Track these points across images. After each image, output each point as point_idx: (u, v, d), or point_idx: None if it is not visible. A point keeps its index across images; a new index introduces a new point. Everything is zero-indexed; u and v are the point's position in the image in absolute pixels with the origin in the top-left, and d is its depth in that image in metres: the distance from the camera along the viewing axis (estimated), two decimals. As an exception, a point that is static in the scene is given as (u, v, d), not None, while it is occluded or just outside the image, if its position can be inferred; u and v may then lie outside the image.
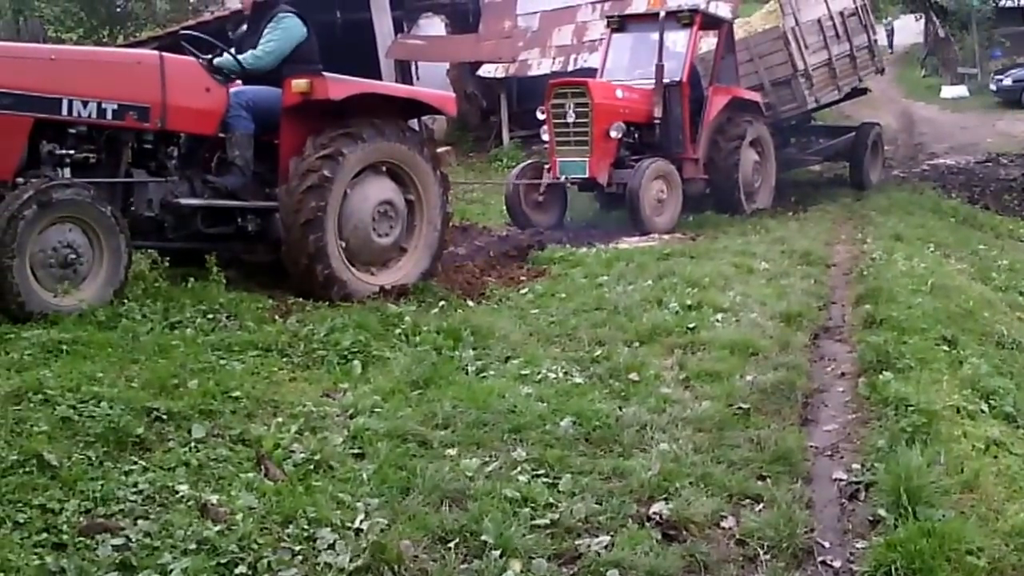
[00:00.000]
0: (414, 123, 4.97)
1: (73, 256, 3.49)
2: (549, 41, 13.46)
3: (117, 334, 3.14)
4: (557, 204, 7.59)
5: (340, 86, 4.20)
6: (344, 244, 4.28)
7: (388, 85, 5.55)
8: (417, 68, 14.76)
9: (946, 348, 3.70)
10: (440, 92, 5.56)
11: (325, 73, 4.21)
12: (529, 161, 8.08)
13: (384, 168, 4.49)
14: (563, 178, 7.26)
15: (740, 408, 2.99)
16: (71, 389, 2.53)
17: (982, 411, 3.09)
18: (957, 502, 2.32)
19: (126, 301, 3.48)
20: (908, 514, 2.21)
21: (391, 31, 14.30)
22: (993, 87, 18.51)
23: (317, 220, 4.09)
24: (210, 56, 4.25)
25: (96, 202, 3.55)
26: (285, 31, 4.31)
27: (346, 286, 4.22)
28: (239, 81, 4.31)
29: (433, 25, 14.95)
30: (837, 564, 2.14)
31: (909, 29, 23.38)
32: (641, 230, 6.80)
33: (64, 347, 2.94)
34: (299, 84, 4.14)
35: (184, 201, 4.04)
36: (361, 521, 2.12)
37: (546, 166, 7.42)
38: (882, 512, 2.28)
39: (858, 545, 2.21)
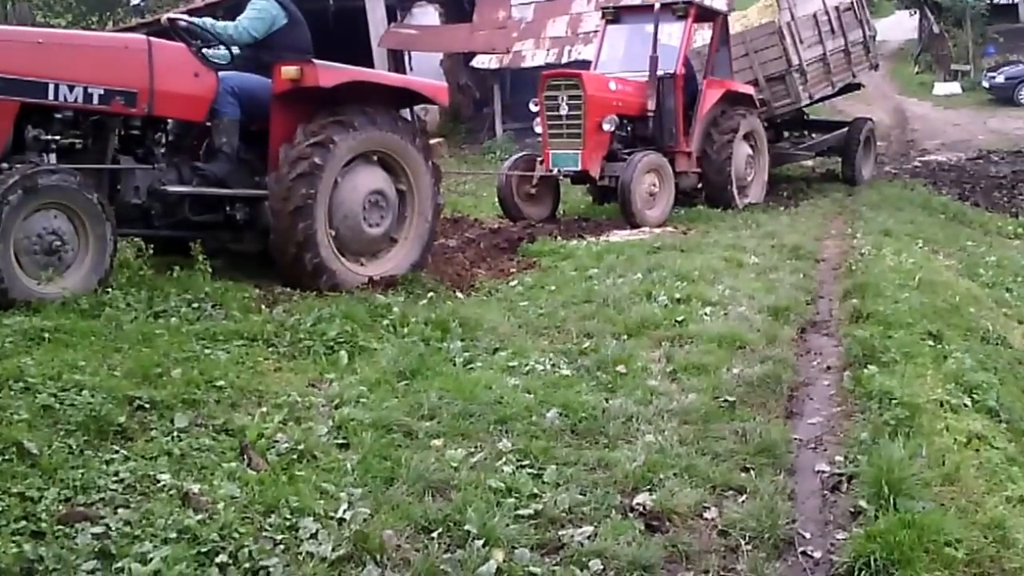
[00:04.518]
0: (406, 113, 4.92)
1: (58, 243, 3.45)
2: (543, 32, 13.42)
3: (100, 322, 3.11)
4: (549, 197, 7.56)
5: (330, 73, 4.16)
6: (334, 233, 4.25)
7: (379, 73, 5.50)
8: (410, 58, 14.68)
9: (931, 343, 3.73)
10: (432, 81, 5.52)
11: (315, 60, 4.17)
12: (522, 153, 8.05)
13: (375, 157, 4.46)
14: (555, 170, 7.23)
15: (726, 401, 3.01)
16: (52, 377, 2.51)
17: (965, 405, 3.11)
18: (937, 494, 2.33)
19: (110, 289, 3.45)
20: (889, 506, 2.23)
21: (384, 20, 14.21)
22: (986, 84, 18.60)
23: (307, 208, 4.06)
24: (199, 41, 4.20)
25: (82, 189, 3.51)
26: (259, 11, 4.28)
27: (335, 276, 4.19)
28: (216, 50, 4.25)
29: (427, 14, 14.86)
30: (817, 555, 2.15)
31: (902, 26, 23.42)
32: (632, 223, 6.79)
33: (46, 335, 2.91)
34: (289, 71, 4.10)
35: (171, 188, 4.00)
36: (344, 511, 2.12)
37: (539, 158, 7.39)
38: (863, 503, 2.30)
39: (839, 536, 2.22)
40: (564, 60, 12.30)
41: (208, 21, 4.32)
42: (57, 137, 3.65)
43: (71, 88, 3.63)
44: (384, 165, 4.52)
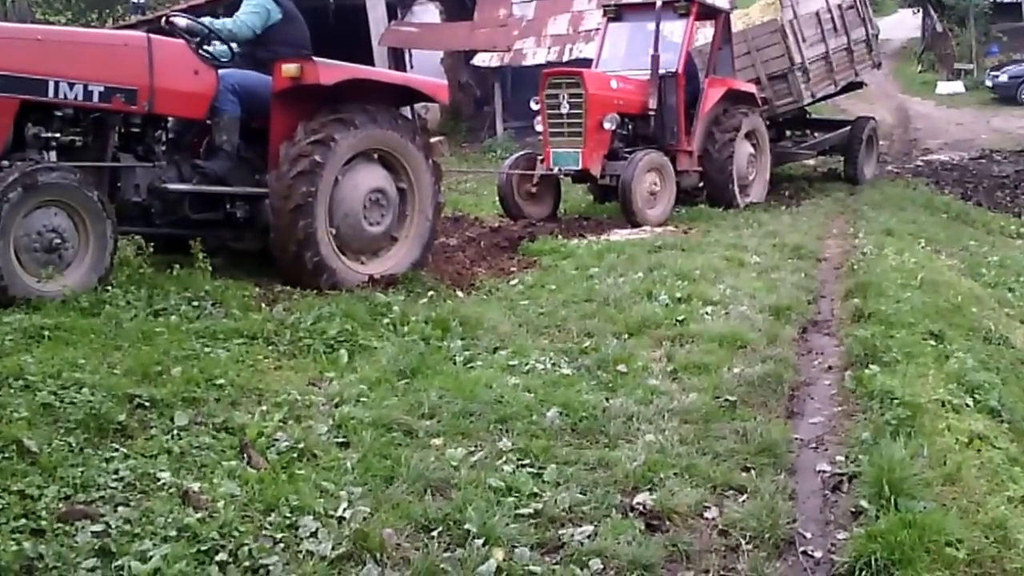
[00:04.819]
0: (406, 111, 4.92)
1: (58, 241, 3.45)
2: (544, 30, 13.41)
3: (100, 320, 3.11)
4: (550, 196, 7.54)
5: (331, 71, 4.15)
6: (334, 232, 4.24)
7: (380, 71, 5.48)
8: (411, 56, 14.66)
9: (933, 343, 3.71)
10: (432, 79, 5.50)
11: (316, 58, 4.16)
12: (523, 151, 8.04)
13: (376, 155, 4.45)
14: (556, 169, 7.21)
15: (727, 400, 3.00)
16: (52, 375, 2.51)
17: (967, 405, 3.10)
18: (939, 494, 2.33)
19: (110, 287, 3.44)
20: (890, 506, 2.22)
21: (385, 18, 14.19)
22: (989, 83, 18.54)
23: (307, 206, 4.05)
24: (199, 39, 4.19)
25: (83, 186, 3.50)
26: (255, 5, 4.27)
27: (335, 274, 4.19)
28: (216, 45, 4.24)
29: (427, 12, 14.85)
30: (818, 554, 2.15)
31: (905, 24, 23.36)
32: (633, 222, 6.77)
33: (46, 333, 2.91)
34: (289, 69, 4.09)
35: (172, 186, 4.00)
36: (344, 509, 2.12)
37: (540, 157, 7.37)
38: (864, 503, 2.29)
39: (839, 536, 2.22)
40: (565, 58, 12.28)
41: (207, 19, 4.30)
42: (57, 135, 3.64)
43: (71, 85, 3.62)
44: (385, 163, 4.51)
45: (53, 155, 3.63)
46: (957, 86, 19.24)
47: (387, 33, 14.01)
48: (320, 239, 4.12)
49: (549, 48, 13.05)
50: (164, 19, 4.36)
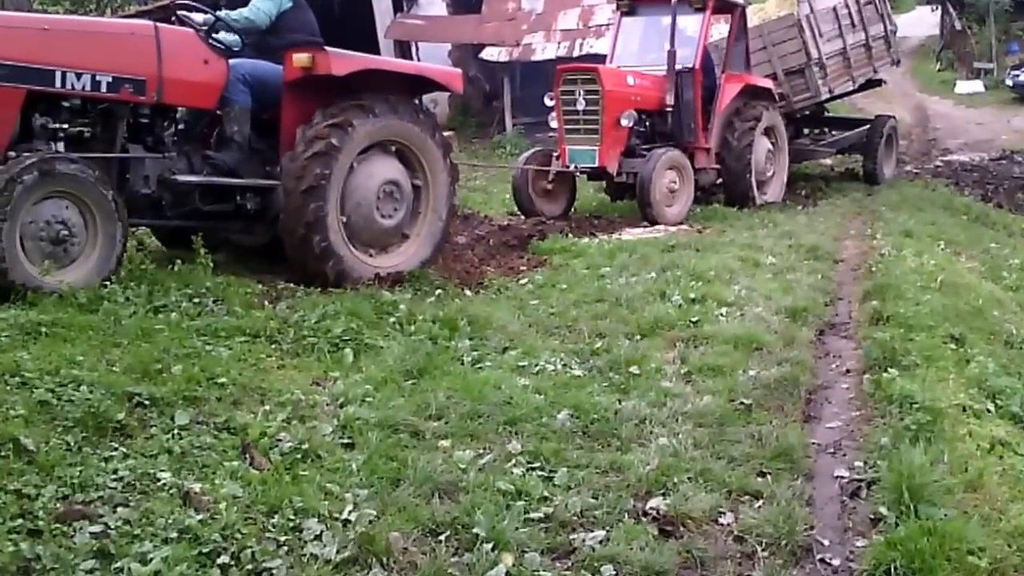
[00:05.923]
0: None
1: (66, 233, 3.41)
2: (554, 24, 13.28)
3: (99, 317, 3.07)
4: (565, 194, 7.45)
5: (343, 61, 4.10)
6: (345, 219, 4.18)
7: (392, 61, 5.44)
8: (417, 49, 14.57)
9: (953, 346, 3.64)
10: (445, 68, 5.42)
11: (328, 48, 4.10)
12: (537, 148, 7.96)
13: (393, 148, 4.39)
14: (572, 166, 7.13)
15: (742, 403, 2.94)
16: (50, 372, 2.48)
17: (988, 410, 3.04)
18: (960, 501, 2.28)
19: (109, 283, 3.40)
20: (909, 513, 2.17)
21: (390, 10, 14.11)
22: (1009, 82, 18.25)
23: (319, 188, 3.99)
24: (207, 27, 4.14)
25: (98, 183, 3.46)
26: None
27: (342, 262, 4.11)
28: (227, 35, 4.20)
29: (434, 5, 14.74)
30: (836, 562, 2.09)
31: (923, 22, 23.03)
32: (650, 218, 6.69)
33: (44, 329, 2.87)
34: (300, 58, 4.03)
35: (182, 178, 3.95)
36: (349, 512, 2.08)
37: (555, 154, 7.29)
38: (883, 510, 2.24)
39: (858, 543, 2.17)
40: (575, 54, 12.16)
41: (222, 12, 4.25)
42: (65, 125, 3.62)
43: (79, 76, 3.58)
44: (402, 158, 4.45)
45: (61, 146, 3.60)
46: (977, 85, 18.95)
47: (393, 26, 13.93)
48: (329, 224, 4.05)
49: (559, 43, 12.94)
50: (173, 18, 4.31)
